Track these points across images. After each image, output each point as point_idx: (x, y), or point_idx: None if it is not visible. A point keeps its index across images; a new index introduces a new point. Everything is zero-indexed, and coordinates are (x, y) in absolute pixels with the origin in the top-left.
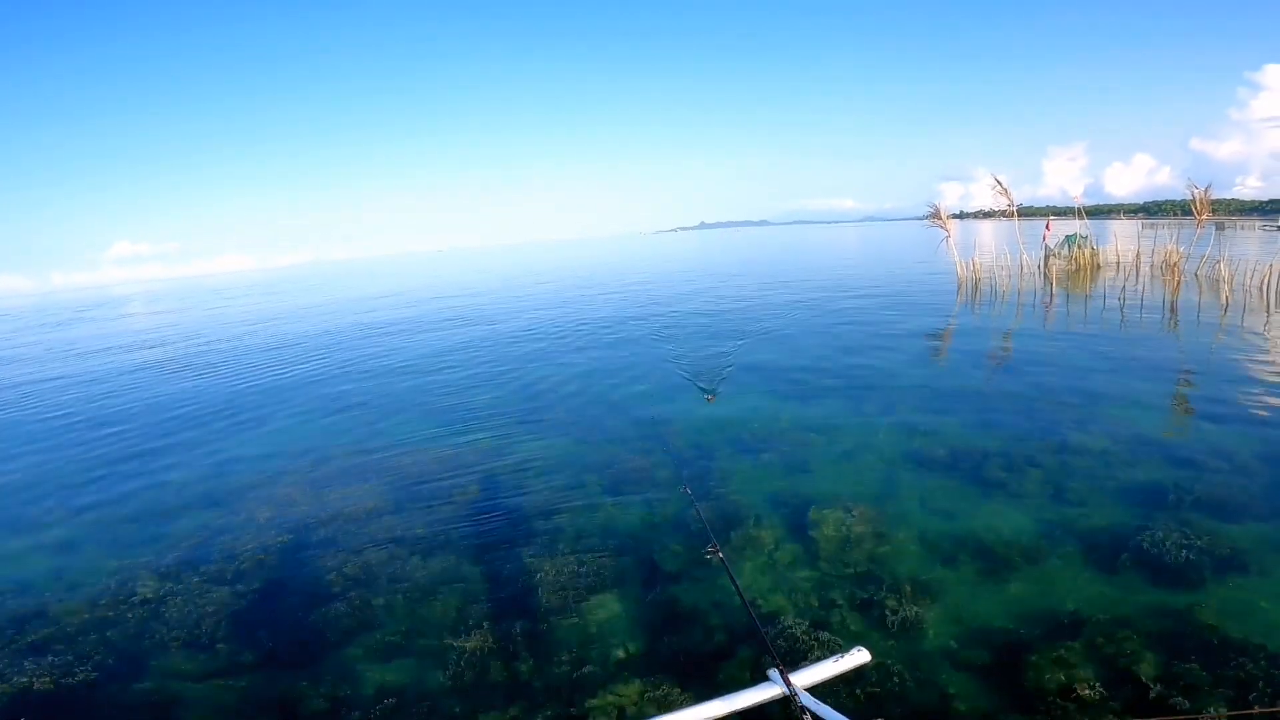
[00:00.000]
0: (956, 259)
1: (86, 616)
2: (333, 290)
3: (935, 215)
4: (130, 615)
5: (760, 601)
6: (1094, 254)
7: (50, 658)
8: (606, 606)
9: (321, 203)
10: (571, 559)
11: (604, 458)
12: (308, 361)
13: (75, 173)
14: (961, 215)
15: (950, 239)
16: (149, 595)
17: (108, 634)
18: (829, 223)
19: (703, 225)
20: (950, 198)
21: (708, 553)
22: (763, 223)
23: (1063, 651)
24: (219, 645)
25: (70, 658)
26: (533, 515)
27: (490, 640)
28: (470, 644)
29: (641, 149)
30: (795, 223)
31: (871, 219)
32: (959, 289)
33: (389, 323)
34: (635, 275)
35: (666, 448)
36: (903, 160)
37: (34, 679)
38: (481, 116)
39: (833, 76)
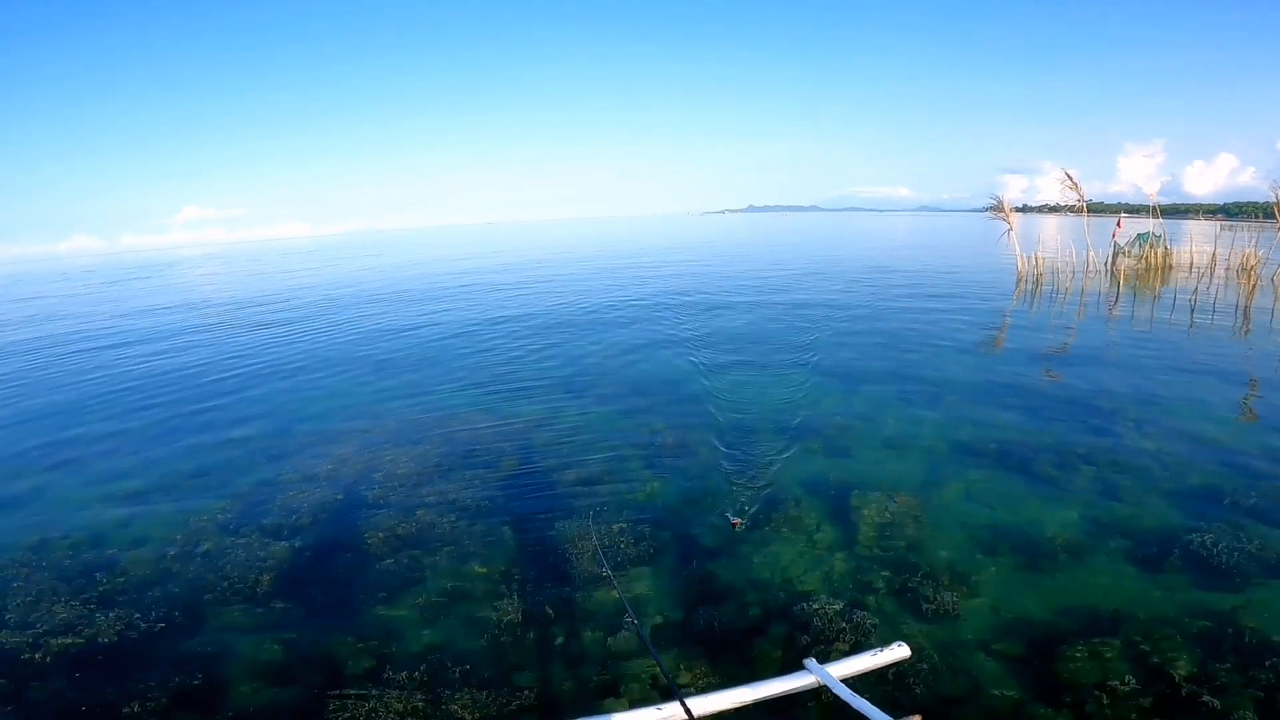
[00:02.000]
0: (1018, 252)
1: (152, 568)
2: (392, 256)
3: (998, 207)
4: (192, 568)
5: (797, 582)
6: (1166, 254)
7: (117, 609)
8: (643, 578)
9: (373, 175)
10: (612, 530)
11: (648, 433)
12: (367, 325)
13: (151, 139)
14: (1025, 209)
15: (1012, 232)
16: (210, 548)
17: (170, 587)
18: (881, 211)
19: (750, 208)
20: (1013, 190)
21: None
22: (812, 208)
23: (1099, 646)
24: (274, 601)
25: (135, 609)
26: (576, 485)
27: (529, 605)
28: (510, 608)
29: (692, 130)
30: (846, 210)
31: (926, 209)
32: (1018, 282)
33: (444, 290)
34: (684, 255)
35: (711, 427)
36: (961, 151)
37: (100, 630)
38: (533, 92)
39: (889, 63)
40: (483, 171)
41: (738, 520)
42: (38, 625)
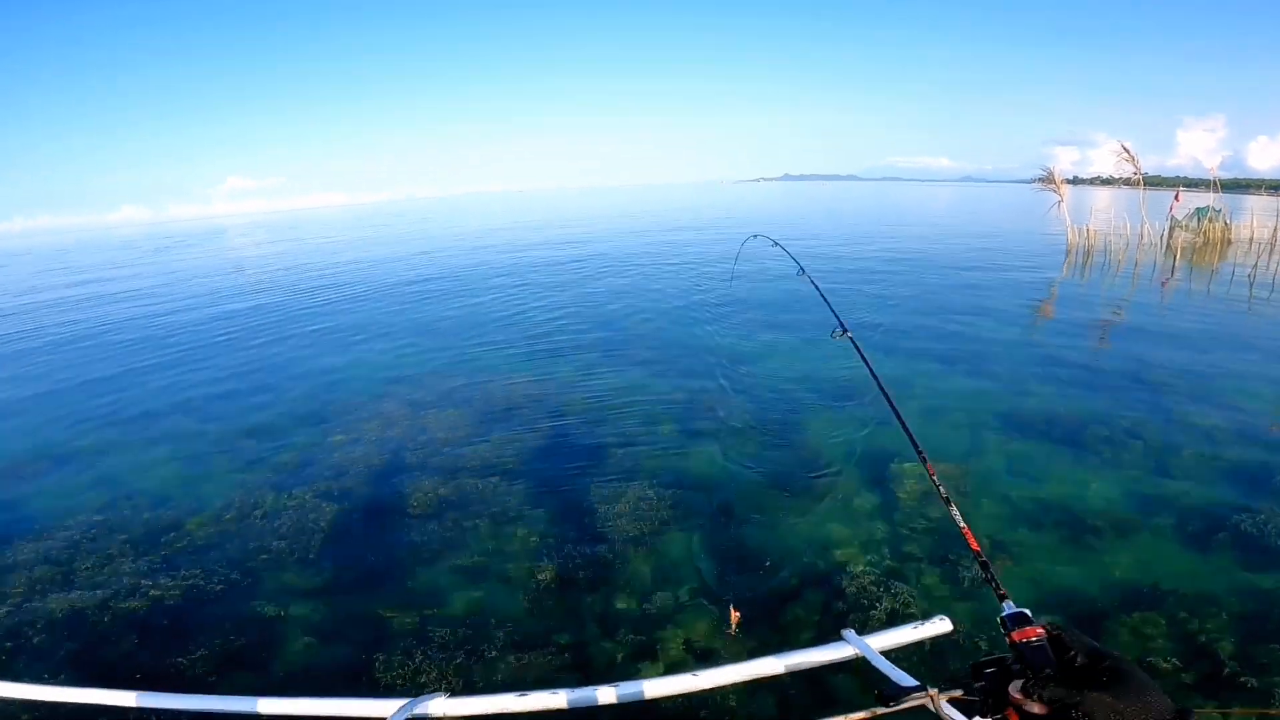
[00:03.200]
0: (1068, 223)
1: (213, 530)
2: (429, 225)
3: (1047, 178)
4: (249, 530)
5: (835, 551)
6: (1226, 229)
7: (181, 570)
8: (678, 541)
9: (405, 144)
10: (648, 493)
11: (683, 398)
12: (408, 292)
13: (194, 110)
14: (1075, 181)
15: (1062, 203)
16: (265, 510)
17: (229, 548)
18: (921, 181)
19: (786, 177)
20: (1063, 162)
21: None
22: (850, 177)
23: (1142, 622)
24: (324, 561)
25: (197, 571)
26: (612, 448)
27: (568, 566)
28: (549, 569)
29: (728, 98)
30: (885, 179)
31: (969, 179)
32: (1068, 254)
33: (479, 258)
34: (720, 219)
35: (748, 393)
36: (1006, 121)
37: (166, 591)
38: (563, 59)
39: (929, 31)
40: (513, 140)
41: (736, 615)
42: (106, 586)
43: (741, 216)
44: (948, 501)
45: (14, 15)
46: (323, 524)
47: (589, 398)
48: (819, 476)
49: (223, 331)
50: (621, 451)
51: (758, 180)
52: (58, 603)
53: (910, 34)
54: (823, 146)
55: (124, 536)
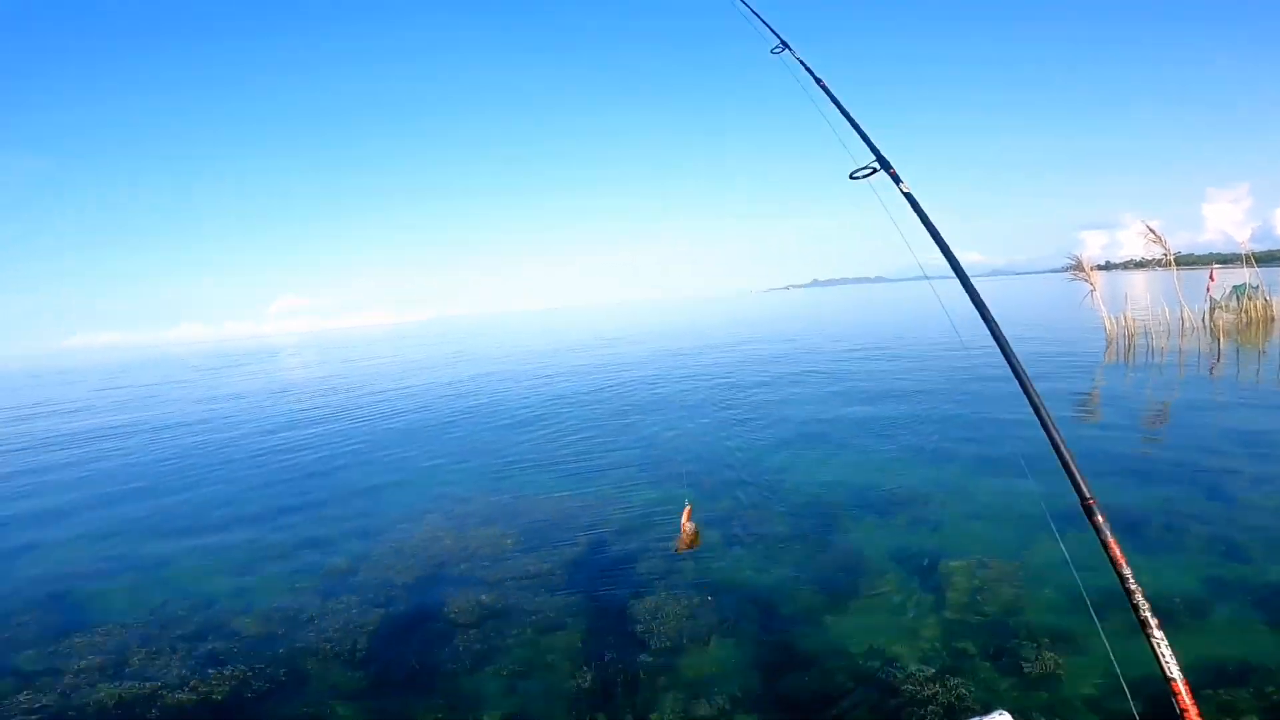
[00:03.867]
0: (1104, 314)
1: (262, 630)
2: (467, 342)
3: (1077, 267)
4: (297, 632)
5: (885, 649)
6: (1267, 305)
7: (228, 667)
8: (720, 647)
9: (443, 264)
10: (687, 601)
11: (724, 510)
12: (451, 410)
13: (250, 230)
14: (1108, 266)
15: (1095, 292)
16: (313, 614)
17: (277, 648)
18: (953, 278)
19: (815, 283)
20: (1093, 247)
21: None
22: (878, 279)
23: (1227, 697)
24: (370, 665)
25: (245, 669)
26: (653, 560)
27: (608, 673)
28: (588, 675)
29: (751, 205)
30: (915, 279)
31: (1000, 273)
32: (1108, 346)
33: (514, 373)
34: (747, 334)
35: (788, 503)
36: (1033, 210)
37: (213, 687)
38: (583, 174)
39: (953, 125)
40: (543, 257)
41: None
42: (156, 679)
43: (770, 328)
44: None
45: (80, 136)
46: (368, 628)
47: (626, 510)
48: (861, 578)
49: (276, 449)
50: (659, 561)
51: (786, 288)
52: (107, 692)
53: (932, 125)
54: (850, 249)
55: (177, 633)
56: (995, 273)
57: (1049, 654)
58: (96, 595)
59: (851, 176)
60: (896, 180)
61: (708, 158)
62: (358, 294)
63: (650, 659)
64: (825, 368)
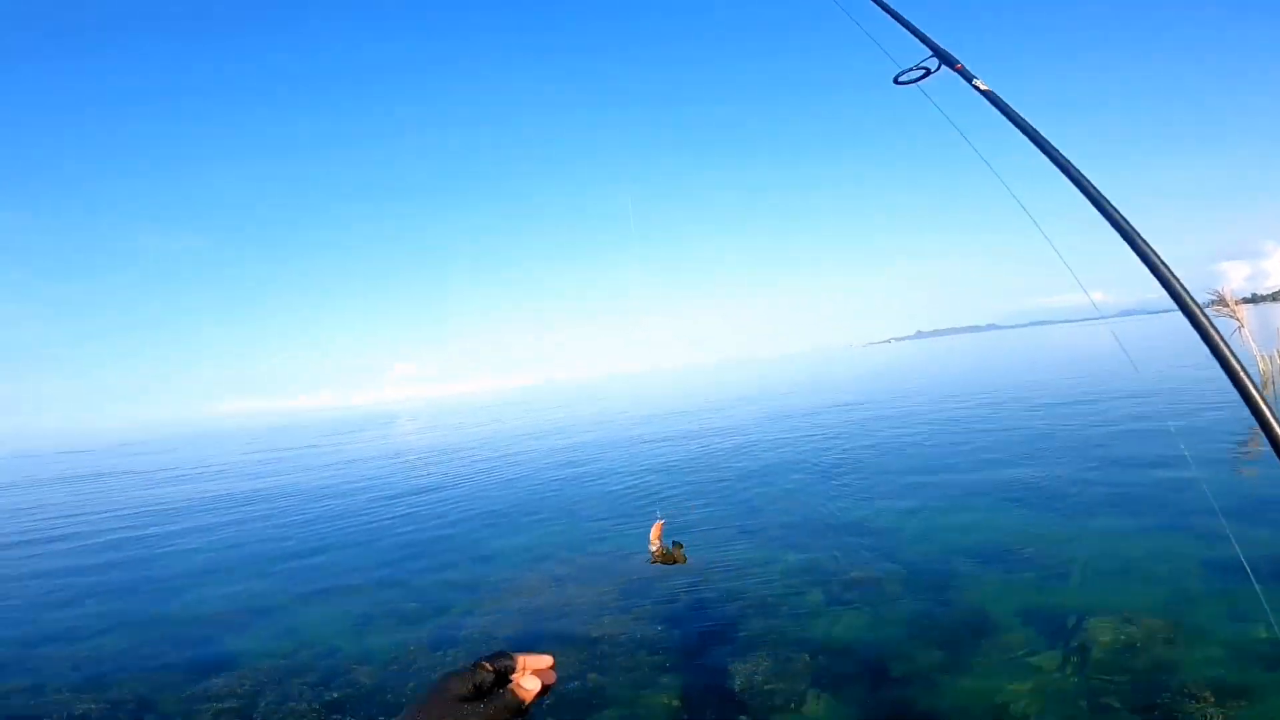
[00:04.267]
0: (1255, 352)
1: (379, 677)
2: (569, 408)
3: (1220, 301)
4: (408, 681)
5: (1015, 708)
6: None
7: (348, 712)
8: (825, 705)
9: (540, 328)
10: (790, 658)
11: (826, 567)
12: (554, 471)
13: (372, 302)
14: (1254, 299)
15: (1243, 329)
16: (423, 665)
17: (388, 696)
18: (1075, 322)
19: (919, 334)
20: (1235, 279)
21: None
22: (991, 327)
23: None
24: None
25: (362, 714)
26: (751, 617)
27: None
28: None
29: (848, 255)
30: (1031, 324)
31: (1129, 314)
32: (1264, 385)
33: (616, 438)
34: (849, 395)
35: (902, 559)
36: (1166, 240)
37: None
38: (680, 231)
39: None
40: (641, 318)
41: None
42: None
43: (872, 384)
44: None
45: (232, 216)
46: None
47: (726, 569)
48: (985, 637)
49: (394, 512)
50: (760, 620)
51: (888, 341)
52: None
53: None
54: (957, 296)
55: (303, 680)
56: (1125, 312)
57: (1214, 710)
58: (235, 642)
59: (897, 81)
60: (967, 76)
61: (803, 211)
62: (464, 361)
63: (742, 716)
64: (932, 421)
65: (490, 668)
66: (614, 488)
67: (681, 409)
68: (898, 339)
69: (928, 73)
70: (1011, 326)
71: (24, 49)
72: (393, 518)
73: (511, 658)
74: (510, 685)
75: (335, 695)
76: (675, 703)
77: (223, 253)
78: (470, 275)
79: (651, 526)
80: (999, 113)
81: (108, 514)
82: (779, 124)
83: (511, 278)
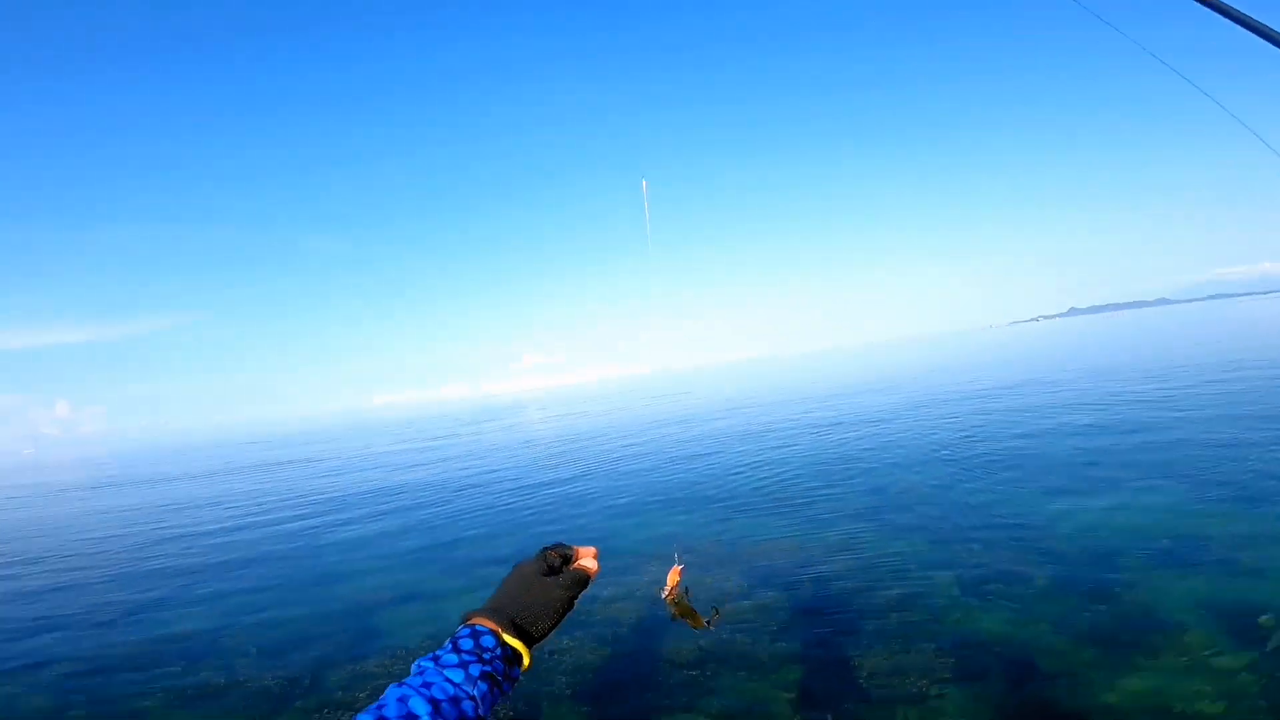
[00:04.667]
0: None
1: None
2: (688, 396)
3: None
4: (538, 667)
5: (1183, 706)
6: None
7: None
8: (961, 702)
9: (661, 318)
10: (921, 650)
11: (965, 560)
12: (675, 455)
13: (502, 297)
14: None
15: None
16: (551, 650)
17: (526, 677)
18: (1262, 294)
19: (1072, 311)
20: None
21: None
22: (1160, 302)
23: None
24: (600, 699)
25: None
26: (878, 608)
27: None
28: None
29: (997, 229)
30: (1209, 298)
31: None
32: None
33: (741, 427)
34: (990, 379)
35: (1051, 550)
36: None
37: None
38: (809, 214)
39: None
40: (766, 303)
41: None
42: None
43: (1018, 369)
44: None
45: (370, 220)
46: (594, 666)
47: (855, 560)
48: (1152, 634)
49: (520, 500)
50: (891, 613)
51: (1035, 319)
52: None
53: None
54: (1118, 269)
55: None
56: None
57: None
58: (388, 624)
59: None
60: None
61: (932, 173)
62: (588, 350)
63: (868, 713)
64: (1085, 405)
65: (556, 554)
66: (733, 470)
67: (813, 395)
68: (1047, 317)
69: None
70: (1184, 301)
71: (205, 60)
72: (518, 502)
73: (569, 547)
74: (576, 564)
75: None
76: (791, 695)
77: (369, 252)
78: (594, 266)
79: (669, 571)
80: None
81: (283, 502)
82: (905, 78)
83: (630, 267)
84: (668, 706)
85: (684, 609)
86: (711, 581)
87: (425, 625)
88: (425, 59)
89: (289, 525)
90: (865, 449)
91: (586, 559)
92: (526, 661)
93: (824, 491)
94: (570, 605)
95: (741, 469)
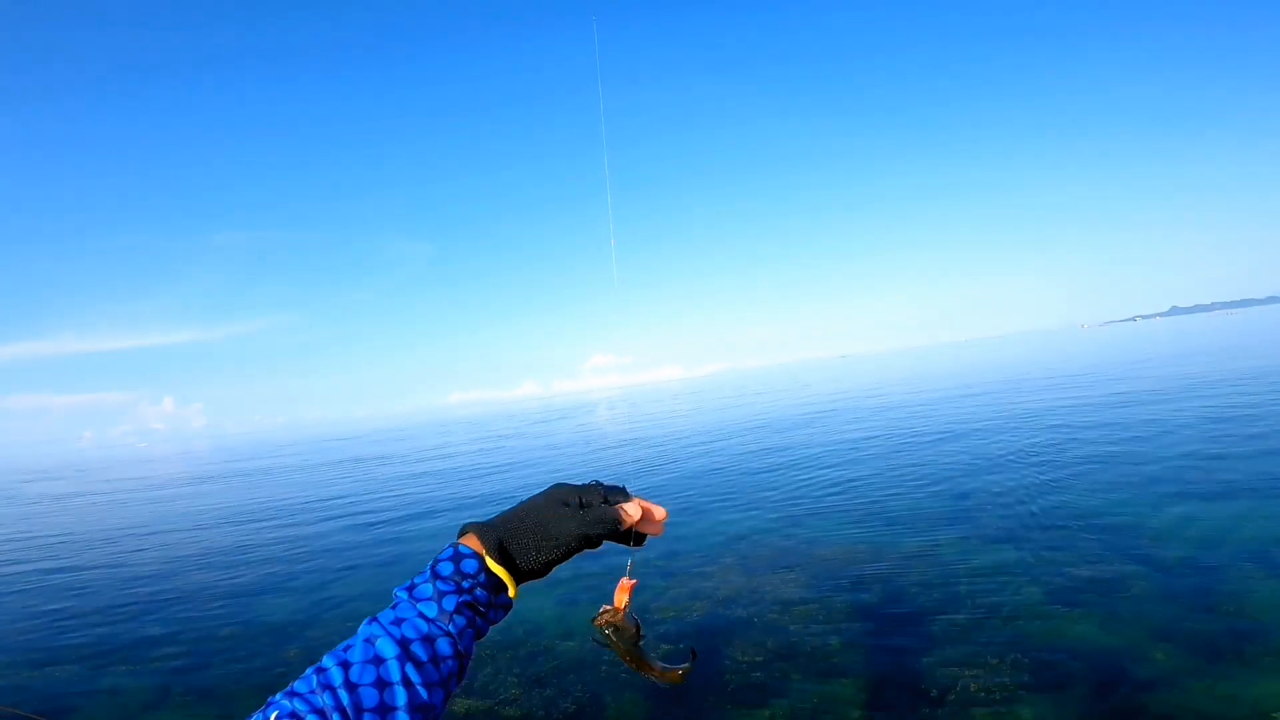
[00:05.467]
0: None
1: (574, 657)
2: (757, 397)
3: None
4: (603, 660)
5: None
6: None
7: (548, 689)
8: (1040, 707)
9: (729, 318)
10: (998, 660)
11: (1049, 563)
12: (749, 455)
13: (571, 301)
14: None
15: None
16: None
17: (586, 674)
18: None
19: (1174, 310)
20: None
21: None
22: (1270, 299)
23: None
24: (658, 697)
25: (559, 691)
26: (955, 610)
27: None
28: None
29: (1080, 219)
30: None
31: None
32: None
33: (813, 426)
34: (1092, 380)
35: (1138, 556)
36: None
37: (534, 705)
38: (884, 206)
39: None
40: (836, 303)
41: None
42: (494, 695)
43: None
44: None
45: (456, 227)
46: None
47: (929, 560)
48: (1257, 641)
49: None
50: (966, 614)
51: (1133, 319)
52: (455, 704)
53: None
54: (1227, 265)
55: (511, 655)
56: None
57: None
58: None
59: None
60: None
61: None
62: (656, 350)
63: (944, 716)
64: (1186, 409)
65: (601, 492)
66: (808, 473)
67: (882, 398)
68: (1145, 316)
69: None
70: None
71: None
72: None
73: (627, 494)
74: (615, 505)
75: (538, 671)
76: (862, 695)
77: (448, 256)
78: (660, 267)
79: (617, 584)
80: None
81: (369, 496)
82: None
83: (697, 268)
84: (732, 706)
85: (624, 638)
86: (780, 578)
87: None
88: (505, 77)
89: (373, 517)
90: (944, 451)
91: (634, 505)
92: (511, 591)
93: (896, 495)
94: (585, 544)
95: (810, 471)
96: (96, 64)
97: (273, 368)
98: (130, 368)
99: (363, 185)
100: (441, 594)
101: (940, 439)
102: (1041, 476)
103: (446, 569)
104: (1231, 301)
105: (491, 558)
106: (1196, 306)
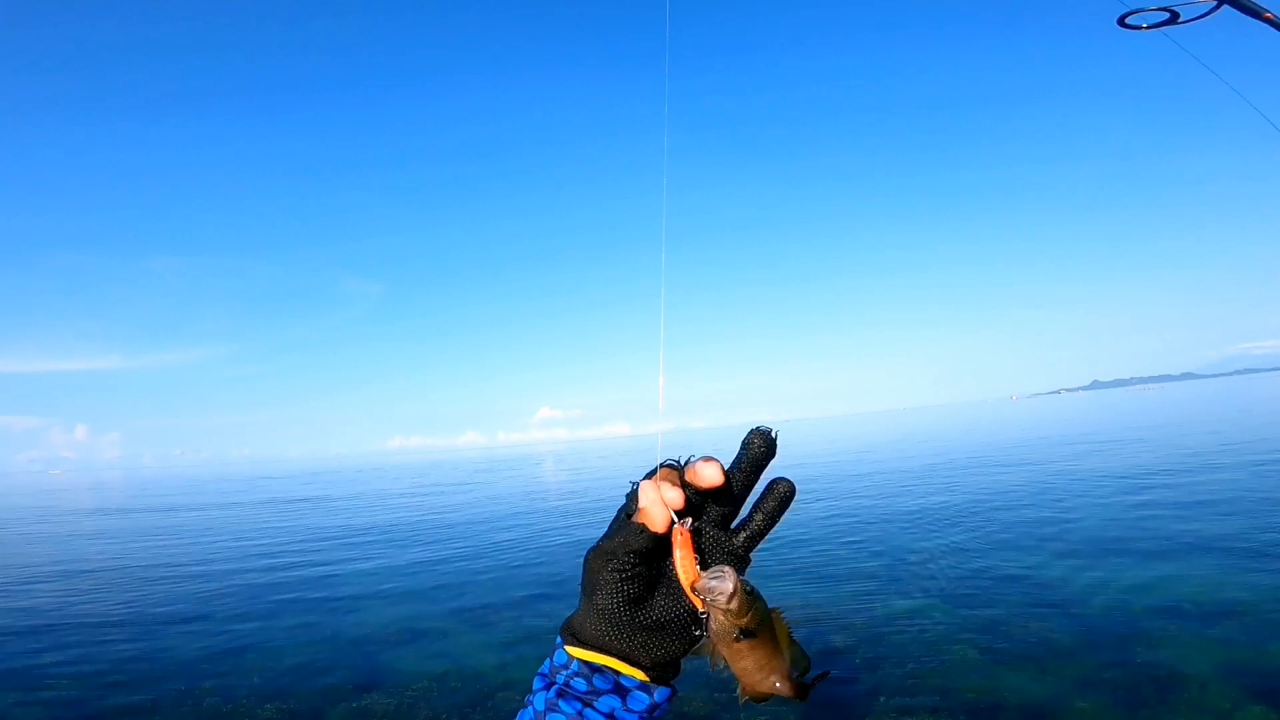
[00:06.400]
0: None
1: (514, 705)
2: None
3: None
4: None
5: None
6: None
7: None
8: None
9: (680, 378)
10: (935, 709)
11: (981, 619)
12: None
13: (518, 350)
14: None
15: None
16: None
17: None
18: None
19: (1095, 385)
20: None
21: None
22: (1186, 376)
23: None
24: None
25: None
26: (884, 665)
27: None
28: None
29: (1005, 300)
30: (1235, 373)
31: None
32: None
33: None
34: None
35: (1066, 615)
36: None
37: None
38: (807, 269)
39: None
40: (781, 370)
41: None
42: None
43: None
44: None
45: (403, 266)
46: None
47: (856, 616)
48: (1174, 693)
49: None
50: (894, 667)
51: (1056, 392)
52: None
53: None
54: (1144, 343)
55: (450, 701)
56: None
57: None
58: (393, 661)
59: (1122, 24)
60: (1254, 11)
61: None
62: (603, 406)
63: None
64: (1109, 476)
65: (664, 475)
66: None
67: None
68: (1069, 389)
69: (1173, 17)
70: (1210, 375)
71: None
72: (535, 547)
73: (682, 466)
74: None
75: (479, 718)
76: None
77: (399, 297)
78: (612, 324)
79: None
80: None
81: (296, 538)
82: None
83: (648, 330)
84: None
85: (743, 610)
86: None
87: (430, 661)
88: (448, 125)
89: (300, 558)
90: (877, 512)
91: (641, 497)
92: (618, 667)
93: (830, 553)
94: (634, 559)
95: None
96: (40, 83)
97: (204, 401)
98: (44, 392)
99: (316, 216)
100: (534, 691)
101: (878, 504)
102: (958, 536)
103: (544, 667)
104: (1149, 376)
105: (567, 640)
106: (1116, 381)
